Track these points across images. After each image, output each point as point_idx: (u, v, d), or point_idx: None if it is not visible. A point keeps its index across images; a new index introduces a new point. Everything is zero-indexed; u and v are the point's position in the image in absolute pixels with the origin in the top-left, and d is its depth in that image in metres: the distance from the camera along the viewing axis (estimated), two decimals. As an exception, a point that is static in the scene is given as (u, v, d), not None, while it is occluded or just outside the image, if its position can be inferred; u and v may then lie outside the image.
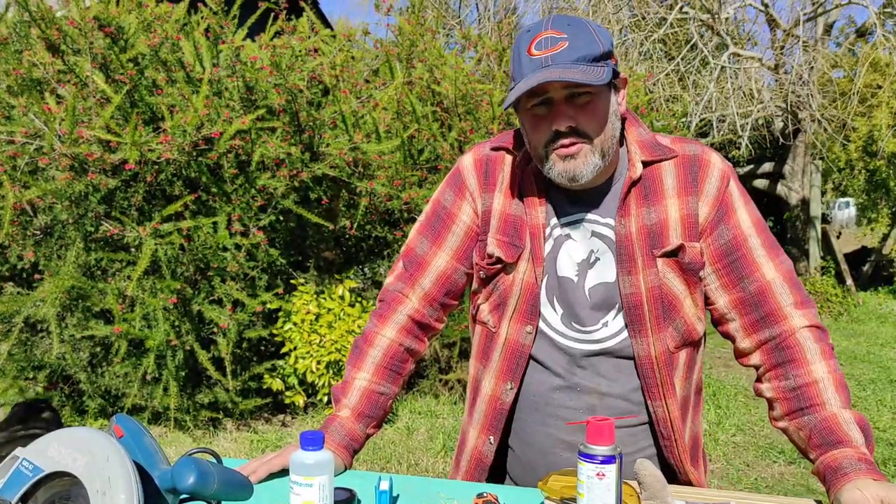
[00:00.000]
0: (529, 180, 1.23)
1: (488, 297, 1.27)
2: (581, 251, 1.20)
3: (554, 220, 1.22)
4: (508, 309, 1.23)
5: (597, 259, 1.19)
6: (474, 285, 1.32)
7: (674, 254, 1.16)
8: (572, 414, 1.20)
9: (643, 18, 8.35)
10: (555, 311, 1.21)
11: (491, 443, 1.26)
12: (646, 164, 1.19)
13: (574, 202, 1.22)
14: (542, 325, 1.22)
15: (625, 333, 1.18)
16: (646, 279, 1.16)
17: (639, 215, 1.17)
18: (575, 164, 1.13)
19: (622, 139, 1.25)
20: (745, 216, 1.18)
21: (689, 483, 1.24)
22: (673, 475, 1.25)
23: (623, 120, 1.24)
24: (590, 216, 1.21)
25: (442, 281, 1.30)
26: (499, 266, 1.23)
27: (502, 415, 1.25)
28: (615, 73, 1.14)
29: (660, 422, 1.21)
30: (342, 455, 1.21)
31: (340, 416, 1.25)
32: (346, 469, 1.22)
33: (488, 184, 1.27)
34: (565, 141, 1.12)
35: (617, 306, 1.18)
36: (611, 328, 1.19)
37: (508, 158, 1.27)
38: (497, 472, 1.32)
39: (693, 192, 1.18)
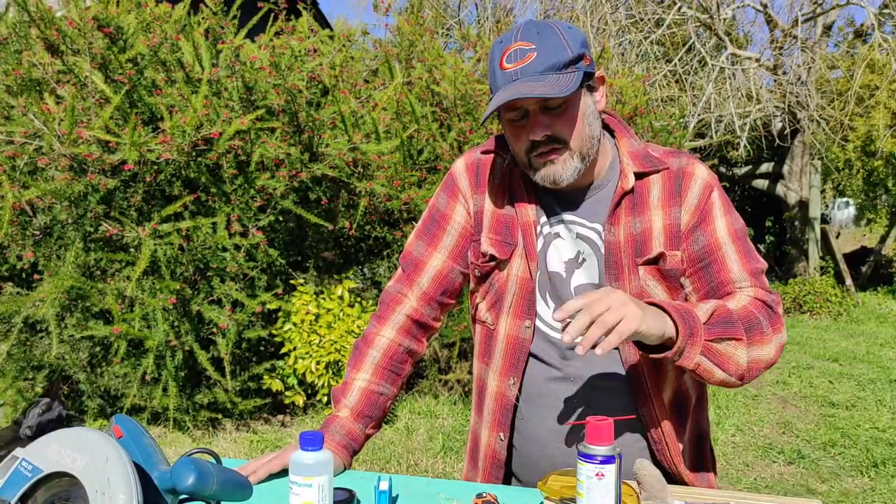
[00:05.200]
0: (518, 181, 1.27)
1: (485, 296, 1.30)
2: (569, 250, 1.24)
3: (544, 219, 1.26)
4: (505, 305, 1.26)
5: (584, 260, 1.23)
6: (472, 285, 1.35)
7: (654, 261, 1.20)
8: (567, 405, 1.23)
9: (641, 20, 8.35)
10: (547, 306, 1.24)
11: (501, 439, 1.29)
12: (638, 175, 1.22)
13: (561, 203, 1.25)
14: (537, 319, 1.25)
15: None
16: (631, 286, 1.19)
17: (626, 224, 1.21)
18: (555, 168, 1.17)
19: (609, 133, 1.28)
20: (723, 225, 1.21)
21: (684, 484, 1.24)
22: (666, 476, 1.25)
23: (611, 129, 1.28)
24: (575, 219, 1.24)
25: (439, 280, 1.33)
26: (493, 263, 1.27)
27: (509, 410, 1.27)
28: (588, 75, 1.16)
29: (648, 424, 1.22)
30: (342, 455, 1.21)
31: (340, 416, 1.26)
32: (345, 469, 1.22)
33: (479, 185, 1.31)
34: (543, 149, 1.16)
35: None
36: None
37: (498, 161, 1.31)
38: (508, 470, 1.34)
39: (677, 202, 1.21)
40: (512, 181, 1.28)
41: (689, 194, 1.21)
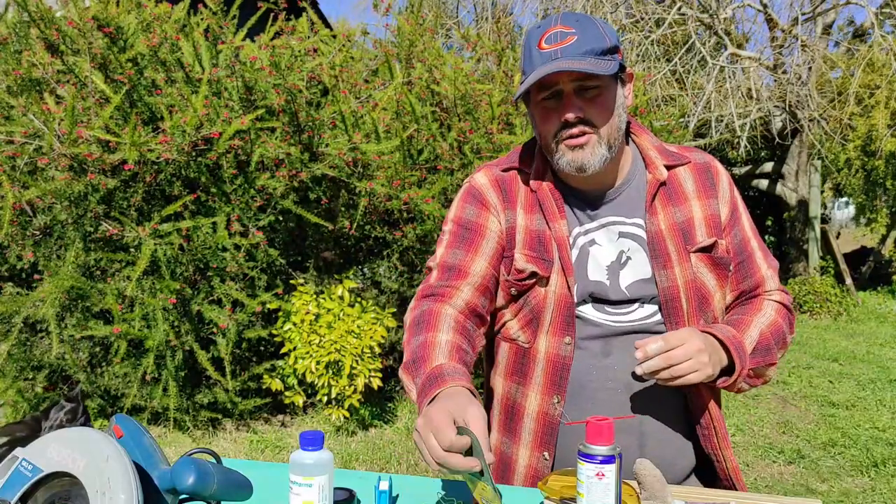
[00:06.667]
0: (546, 195, 1.25)
1: (517, 313, 1.25)
2: (609, 254, 1.22)
3: (577, 230, 1.24)
4: (544, 323, 1.22)
5: (628, 259, 1.22)
6: (499, 301, 1.28)
7: (708, 249, 1.22)
8: (609, 395, 1.21)
9: (641, 19, 8.34)
10: (587, 304, 1.23)
11: (546, 458, 1.24)
12: (666, 167, 1.26)
13: (594, 206, 1.25)
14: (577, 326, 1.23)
15: (658, 317, 1.21)
16: (682, 273, 1.20)
17: (666, 214, 1.23)
18: (583, 154, 1.17)
19: (628, 138, 1.30)
20: (746, 220, 1.29)
21: (729, 474, 1.24)
22: (710, 464, 1.26)
23: (628, 128, 1.29)
24: (614, 218, 1.24)
25: (485, 283, 1.24)
26: (532, 281, 1.22)
27: (554, 430, 1.23)
28: (622, 67, 1.19)
29: (696, 409, 1.23)
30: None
31: (442, 363, 1.06)
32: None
33: (508, 202, 1.27)
34: (574, 131, 1.16)
35: (652, 298, 1.22)
36: (646, 310, 1.22)
37: (520, 177, 1.30)
38: None
39: (713, 194, 1.26)
40: (539, 195, 1.25)
41: (720, 188, 1.28)
